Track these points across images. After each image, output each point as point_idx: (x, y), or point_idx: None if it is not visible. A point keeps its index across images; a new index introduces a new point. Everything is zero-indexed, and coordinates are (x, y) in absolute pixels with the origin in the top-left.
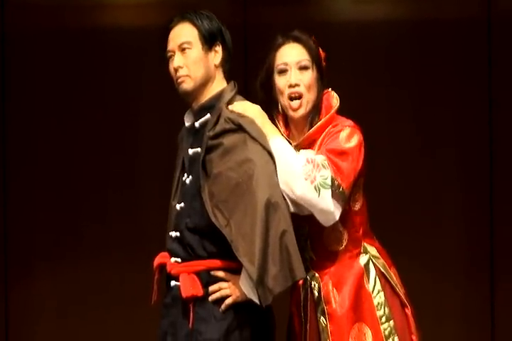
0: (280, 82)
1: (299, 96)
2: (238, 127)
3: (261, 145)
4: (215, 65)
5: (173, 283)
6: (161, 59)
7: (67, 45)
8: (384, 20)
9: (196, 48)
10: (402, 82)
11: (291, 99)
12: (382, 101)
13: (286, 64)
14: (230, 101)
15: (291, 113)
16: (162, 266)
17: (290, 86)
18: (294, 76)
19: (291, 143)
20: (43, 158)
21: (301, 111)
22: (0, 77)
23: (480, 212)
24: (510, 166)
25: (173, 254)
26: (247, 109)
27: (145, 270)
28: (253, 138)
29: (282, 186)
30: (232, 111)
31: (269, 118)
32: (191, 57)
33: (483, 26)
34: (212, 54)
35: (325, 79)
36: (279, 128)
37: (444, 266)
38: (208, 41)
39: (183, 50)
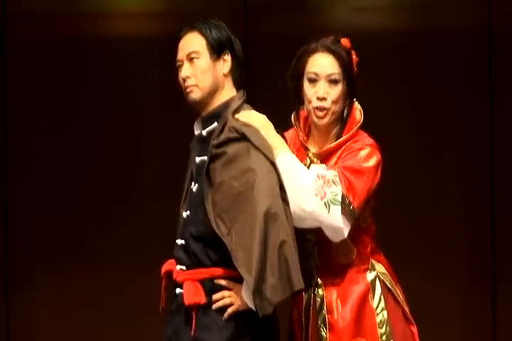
0: (309, 90)
1: (325, 109)
2: (242, 136)
3: (264, 155)
4: (223, 74)
5: (178, 290)
6: (162, 68)
7: (68, 54)
8: (385, 29)
9: (204, 58)
10: (403, 88)
11: (317, 108)
12: (383, 105)
13: (316, 74)
14: (237, 110)
15: (315, 119)
16: (169, 273)
17: (318, 98)
18: (322, 89)
19: (307, 149)
20: (44, 167)
21: (325, 121)
22: (1, 86)
23: (481, 217)
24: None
25: (178, 262)
26: (253, 119)
27: (145, 280)
28: (256, 147)
29: (292, 202)
30: (237, 120)
31: (293, 113)
32: (199, 67)
33: (484, 35)
34: (220, 63)
35: (354, 91)
36: (285, 137)
37: (445, 272)
38: (216, 50)
39: (191, 59)
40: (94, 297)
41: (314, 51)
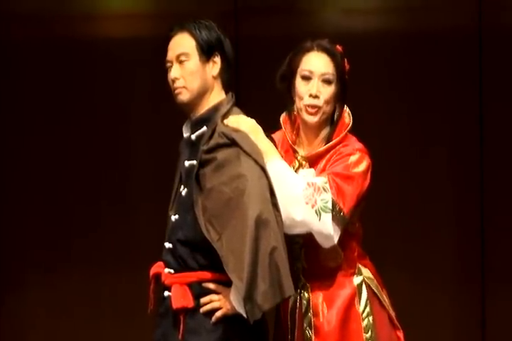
0: (301, 87)
1: (316, 107)
2: (232, 142)
3: (254, 160)
4: (213, 76)
5: (166, 293)
6: (151, 69)
7: (58, 55)
8: (375, 31)
9: (193, 59)
10: (394, 89)
11: (309, 105)
12: (373, 107)
13: (311, 72)
14: (226, 115)
15: (305, 117)
16: (158, 276)
17: (310, 95)
18: (316, 87)
19: (296, 152)
20: (35, 168)
21: (316, 119)
22: None
23: (470, 217)
24: (501, 172)
25: (167, 265)
26: (242, 124)
27: (136, 281)
28: (246, 153)
29: (282, 210)
30: (226, 126)
31: (283, 114)
32: (188, 69)
33: (475, 36)
34: (210, 65)
35: (346, 96)
36: (273, 141)
37: (434, 272)
38: (206, 52)
39: (180, 61)
40: (86, 298)
41: (310, 50)
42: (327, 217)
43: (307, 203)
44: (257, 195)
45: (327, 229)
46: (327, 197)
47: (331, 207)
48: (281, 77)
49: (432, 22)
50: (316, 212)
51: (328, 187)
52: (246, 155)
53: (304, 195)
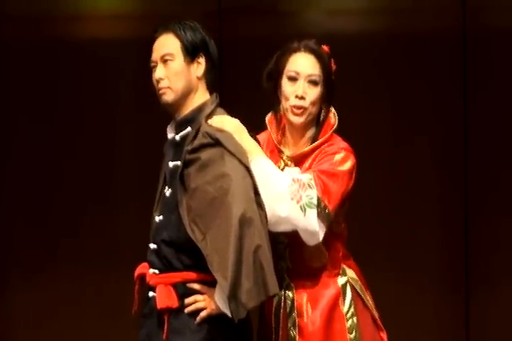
0: (287, 88)
1: (302, 108)
2: (216, 142)
3: (238, 160)
4: (197, 77)
5: (151, 293)
6: (137, 70)
7: (44, 56)
8: (359, 32)
9: (178, 60)
10: (378, 90)
11: (294, 106)
12: (358, 108)
13: (297, 73)
14: (210, 115)
15: (291, 118)
16: (143, 277)
17: (296, 96)
18: (302, 88)
19: (281, 152)
20: (20, 170)
21: (301, 120)
22: None
23: (455, 220)
24: (485, 173)
25: (151, 265)
26: (226, 124)
27: (121, 281)
28: (231, 152)
29: (267, 207)
30: (210, 126)
31: (268, 115)
32: (172, 69)
33: (459, 37)
34: (194, 66)
35: (332, 97)
36: (258, 141)
37: (418, 273)
38: (191, 53)
39: (165, 61)
40: (71, 298)
41: (296, 50)
42: (312, 213)
43: (292, 199)
44: (241, 194)
45: (312, 225)
46: (312, 194)
47: (316, 203)
48: (267, 76)
49: (416, 23)
50: (301, 208)
51: (314, 184)
52: (230, 155)
53: (289, 190)
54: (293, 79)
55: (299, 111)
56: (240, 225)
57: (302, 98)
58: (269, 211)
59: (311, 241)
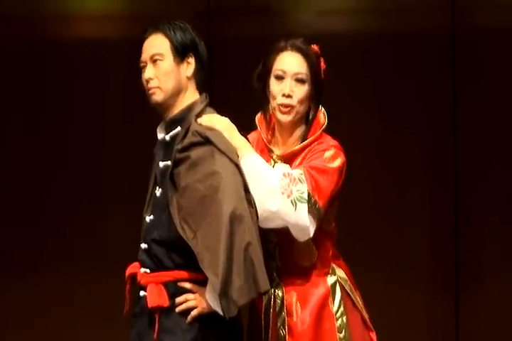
0: (275, 87)
1: (289, 106)
2: (205, 140)
3: (228, 158)
4: (187, 77)
5: (142, 293)
6: (125, 70)
7: (33, 56)
8: (348, 32)
9: (168, 60)
10: (368, 90)
11: (282, 105)
12: (347, 107)
13: (284, 72)
14: (200, 114)
15: (279, 116)
16: (134, 276)
17: (283, 95)
18: (288, 86)
19: (271, 151)
20: (7, 172)
21: (289, 118)
22: None
23: (444, 219)
24: (474, 171)
25: (142, 265)
26: (215, 122)
27: (112, 281)
28: (220, 151)
29: (258, 202)
30: (200, 124)
31: (258, 114)
32: (162, 69)
33: (448, 36)
34: (184, 65)
35: (321, 95)
36: (248, 140)
37: (408, 272)
38: (180, 53)
39: (154, 61)
40: (62, 298)
41: (283, 49)
42: (303, 208)
43: (283, 193)
44: (231, 191)
45: (303, 220)
46: (303, 188)
47: (306, 198)
48: (257, 76)
49: (405, 22)
50: (291, 202)
51: (304, 179)
52: (220, 153)
53: (280, 185)
54: (280, 78)
55: (286, 110)
56: (230, 222)
57: (289, 96)
58: (259, 206)
59: (301, 237)
